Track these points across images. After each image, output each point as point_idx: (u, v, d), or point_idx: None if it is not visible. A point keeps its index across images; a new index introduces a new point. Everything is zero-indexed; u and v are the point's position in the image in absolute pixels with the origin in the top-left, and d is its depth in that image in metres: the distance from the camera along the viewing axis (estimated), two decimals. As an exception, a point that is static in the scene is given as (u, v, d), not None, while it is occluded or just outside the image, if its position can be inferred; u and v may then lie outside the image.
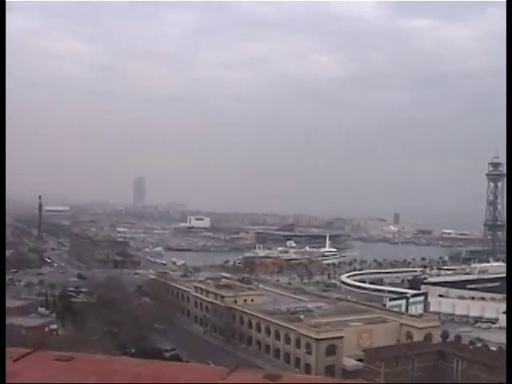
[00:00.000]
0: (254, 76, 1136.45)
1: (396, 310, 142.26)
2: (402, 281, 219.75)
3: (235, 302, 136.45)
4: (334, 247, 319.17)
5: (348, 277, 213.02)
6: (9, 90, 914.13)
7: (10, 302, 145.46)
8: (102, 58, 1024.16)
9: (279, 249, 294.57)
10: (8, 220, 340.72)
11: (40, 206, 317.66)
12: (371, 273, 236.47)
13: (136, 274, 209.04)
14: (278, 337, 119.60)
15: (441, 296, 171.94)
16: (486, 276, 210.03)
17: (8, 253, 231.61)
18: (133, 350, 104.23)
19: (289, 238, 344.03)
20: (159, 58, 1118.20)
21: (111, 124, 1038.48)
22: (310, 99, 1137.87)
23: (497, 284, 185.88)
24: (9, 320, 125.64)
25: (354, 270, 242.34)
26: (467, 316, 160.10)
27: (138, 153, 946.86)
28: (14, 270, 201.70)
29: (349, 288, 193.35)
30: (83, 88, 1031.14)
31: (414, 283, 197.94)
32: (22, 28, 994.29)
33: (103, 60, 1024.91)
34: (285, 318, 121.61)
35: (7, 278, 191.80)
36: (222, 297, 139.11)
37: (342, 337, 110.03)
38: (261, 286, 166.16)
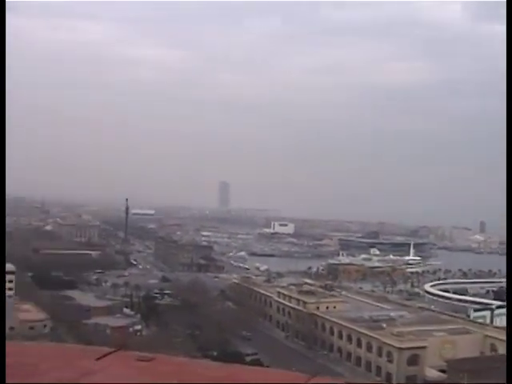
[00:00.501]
0: (332, 82, 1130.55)
1: (480, 321, 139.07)
2: (487, 292, 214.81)
3: (317, 308, 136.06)
4: (418, 256, 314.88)
5: (432, 286, 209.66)
6: (94, 97, 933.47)
7: (95, 302, 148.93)
8: (182, 63, 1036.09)
9: (363, 256, 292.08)
10: (96, 222, 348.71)
11: (127, 208, 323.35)
12: (455, 282, 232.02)
13: (217, 278, 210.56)
14: (359, 344, 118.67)
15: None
16: None
17: (95, 254, 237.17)
18: (214, 354, 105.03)
19: (372, 246, 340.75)
20: (238, 63, 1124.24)
21: (192, 128, 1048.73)
22: (387, 105, 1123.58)
23: None
24: (94, 319, 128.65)
25: (438, 280, 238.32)
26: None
27: (222, 157, 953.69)
28: (99, 271, 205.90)
29: (432, 297, 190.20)
30: (163, 93, 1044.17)
31: (500, 294, 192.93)
32: (106, 36, 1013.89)
33: (182, 65, 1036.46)
34: (367, 326, 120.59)
35: (93, 277, 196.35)
36: (305, 303, 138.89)
37: (424, 347, 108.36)
38: (343, 293, 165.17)
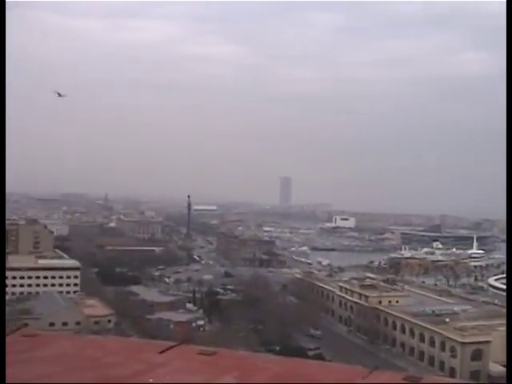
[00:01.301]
0: (398, 75, 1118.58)
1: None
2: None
3: (379, 302, 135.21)
4: (482, 249, 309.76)
5: (496, 280, 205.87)
6: (162, 95, 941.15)
7: (159, 297, 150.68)
8: (245, 59, 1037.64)
9: (425, 250, 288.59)
10: (159, 218, 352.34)
11: (189, 204, 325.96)
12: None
13: (281, 273, 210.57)
14: (422, 339, 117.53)
15: None
16: None
17: (158, 250, 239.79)
18: (277, 348, 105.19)
19: (435, 239, 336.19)
20: (302, 58, 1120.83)
21: (254, 124, 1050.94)
22: (455, 98, 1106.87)
23: None
24: (158, 314, 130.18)
25: (502, 273, 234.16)
26: None
27: (284, 152, 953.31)
28: (161, 267, 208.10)
29: (496, 291, 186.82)
30: (230, 89, 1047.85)
31: None
32: (171, 35, 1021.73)
33: (246, 62, 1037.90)
34: (430, 321, 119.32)
35: (157, 273, 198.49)
36: (367, 297, 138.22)
37: (488, 341, 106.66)
38: (406, 287, 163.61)
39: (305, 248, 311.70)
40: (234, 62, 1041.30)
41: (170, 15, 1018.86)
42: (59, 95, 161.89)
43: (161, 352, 4.19)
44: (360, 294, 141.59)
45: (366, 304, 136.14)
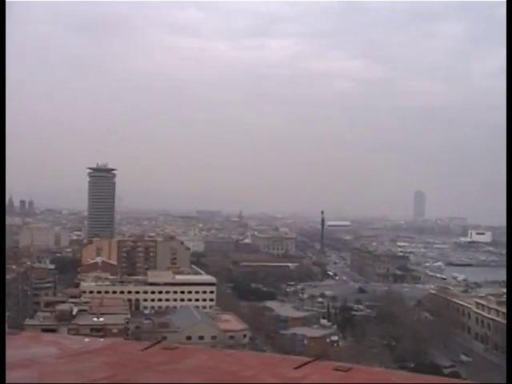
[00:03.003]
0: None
1: None
2: None
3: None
4: None
5: None
6: (288, 111, 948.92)
7: (293, 313, 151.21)
8: (371, 73, 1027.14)
9: None
10: (292, 234, 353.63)
11: (323, 220, 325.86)
12: None
13: (415, 288, 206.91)
14: None
15: None
16: None
17: (292, 266, 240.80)
18: (411, 365, 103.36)
19: None
20: (428, 69, 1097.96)
21: (385, 138, 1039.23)
22: None
23: None
24: (292, 330, 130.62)
25: None
26: None
27: (415, 165, 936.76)
28: (296, 283, 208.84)
29: None
30: (355, 103, 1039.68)
31: None
32: (295, 52, 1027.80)
33: (372, 75, 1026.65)
34: None
35: (291, 289, 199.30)
36: (504, 314, 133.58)
37: None
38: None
39: (439, 263, 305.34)
40: (358, 76, 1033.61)
41: (293, 33, 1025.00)
42: None
43: (296, 367, 4.24)
44: (497, 311, 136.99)
45: (503, 321, 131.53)
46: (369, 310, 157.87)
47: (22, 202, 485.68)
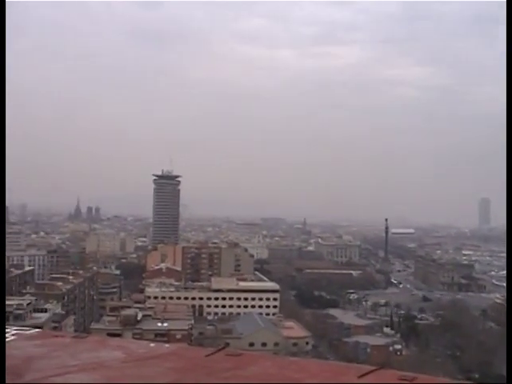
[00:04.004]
0: None
1: None
2: None
3: None
4: None
5: None
6: (359, 119, 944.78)
7: (356, 321, 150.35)
8: (437, 79, 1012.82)
9: None
10: (356, 242, 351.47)
11: (386, 228, 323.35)
12: None
13: (481, 297, 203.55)
14: None
15: None
16: None
17: (356, 273, 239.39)
18: (476, 376, 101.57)
19: None
20: (496, 75, 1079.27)
21: (447, 145, 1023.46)
22: None
23: None
24: (355, 338, 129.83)
25: None
26: None
27: (480, 173, 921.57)
28: (360, 290, 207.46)
29: None
30: (421, 110, 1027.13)
31: None
32: (361, 59, 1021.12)
33: (439, 82, 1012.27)
34: None
35: (354, 297, 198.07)
36: None
37: None
38: None
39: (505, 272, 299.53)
40: (424, 83, 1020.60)
41: (359, 39, 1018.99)
42: None
43: (360, 376, 4.21)
44: None
45: None
46: (433, 319, 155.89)
47: (89, 209, 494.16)
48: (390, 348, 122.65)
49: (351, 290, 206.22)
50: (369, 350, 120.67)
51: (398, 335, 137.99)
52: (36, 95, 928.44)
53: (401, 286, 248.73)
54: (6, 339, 5.07)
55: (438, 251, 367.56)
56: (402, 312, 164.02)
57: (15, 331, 5.30)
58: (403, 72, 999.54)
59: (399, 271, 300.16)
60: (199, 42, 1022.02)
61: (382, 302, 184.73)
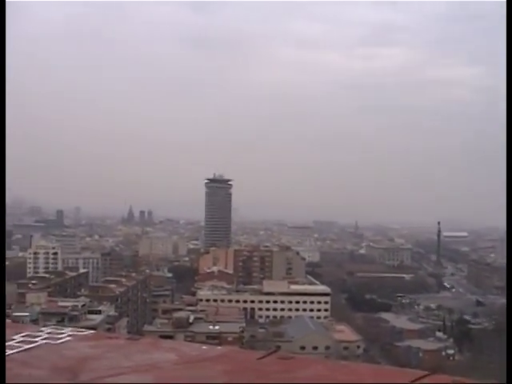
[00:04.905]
0: None
1: None
2: None
3: None
4: None
5: None
6: (404, 121, 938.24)
7: (408, 325, 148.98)
8: (483, 80, 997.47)
9: None
10: (408, 245, 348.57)
11: (439, 231, 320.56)
12: None
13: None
14: None
15: None
16: None
17: (408, 277, 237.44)
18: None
19: None
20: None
21: (493, 145, 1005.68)
22: None
23: None
24: (407, 342, 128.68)
25: None
26: None
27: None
28: (411, 294, 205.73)
29: None
30: (469, 112, 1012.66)
31: None
32: (410, 60, 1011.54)
33: (484, 82, 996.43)
34: None
35: (406, 300, 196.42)
36: None
37: None
38: None
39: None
40: (475, 84, 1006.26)
41: (407, 40, 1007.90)
42: None
43: (412, 381, 4.19)
44: None
45: None
46: (486, 324, 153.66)
47: (142, 213, 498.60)
48: (443, 353, 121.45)
49: (403, 294, 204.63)
50: (421, 354, 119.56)
51: (451, 340, 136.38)
52: (89, 101, 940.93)
53: (453, 289, 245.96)
54: (62, 340, 5.16)
55: (492, 254, 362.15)
56: (455, 316, 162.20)
57: (70, 332, 5.39)
58: (452, 73, 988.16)
59: (452, 275, 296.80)
60: (249, 46, 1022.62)
61: (435, 305, 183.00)
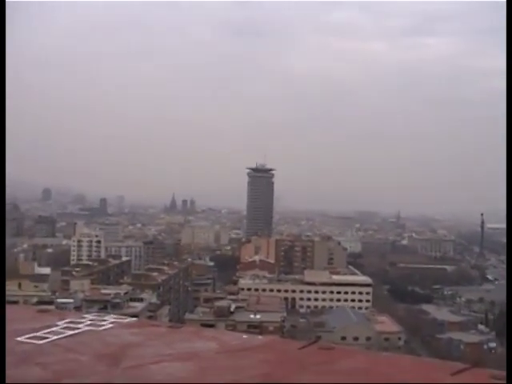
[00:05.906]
0: None
1: None
2: None
3: None
4: None
5: None
6: (451, 113, 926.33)
7: (450, 317, 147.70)
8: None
9: None
10: (451, 237, 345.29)
11: (482, 223, 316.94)
12: None
13: None
14: None
15: None
16: None
17: (450, 268, 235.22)
18: None
19: None
20: None
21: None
22: None
23: None
24: (448, 334, 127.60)
25: None
26: None
27: None
28: (454, 286, 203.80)
29: None
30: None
31: None
32: (455, 50, 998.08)
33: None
34: None
35: (449, 292, 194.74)
36: None
37: None
38: None
39: None
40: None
41: (451, 31, 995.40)
42: None
43: (453, 374, 4.15)
44: None
45: None
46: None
47: (184, 202, 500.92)
48: (485, 346, 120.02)
49: (445, 286, 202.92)
50: (462, 347, 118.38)
51: (493, 333, 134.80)
52: (127, 94, 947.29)
53: (497, 282, 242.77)
54: (105, 327, 5.24)
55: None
56: (498, 309, 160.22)
57: (113, 319, 5.47)
58: (500, 63, 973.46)
59: (495, 267, 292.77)
60: (289, 36, 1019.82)
61: (477, 298, 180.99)
